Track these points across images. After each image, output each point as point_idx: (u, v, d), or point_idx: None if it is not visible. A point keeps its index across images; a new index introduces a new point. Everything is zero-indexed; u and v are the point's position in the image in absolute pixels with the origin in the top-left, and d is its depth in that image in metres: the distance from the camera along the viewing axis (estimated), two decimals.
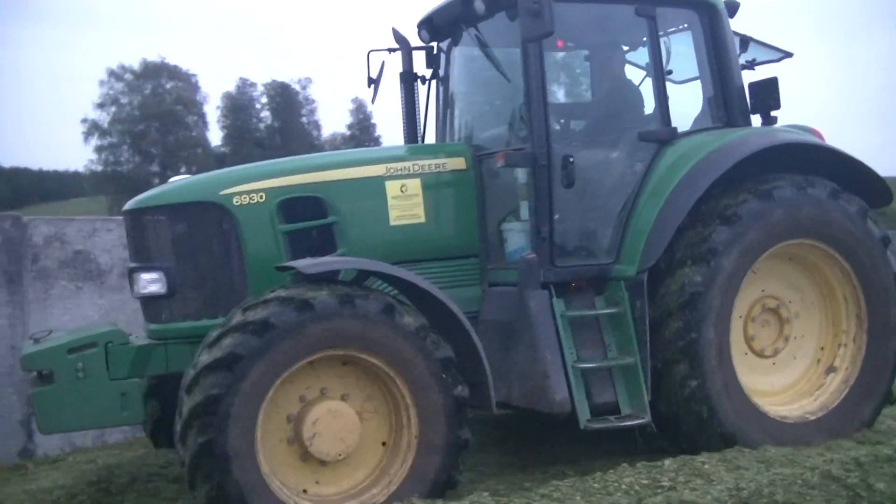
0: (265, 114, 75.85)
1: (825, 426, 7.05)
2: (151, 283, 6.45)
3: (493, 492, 6.07)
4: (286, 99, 77.40)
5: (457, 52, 7.95)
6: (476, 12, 7.00)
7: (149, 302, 6.57)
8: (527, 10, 6.37)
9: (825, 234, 7.07)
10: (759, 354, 7.27)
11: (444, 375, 5.94)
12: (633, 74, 7.80)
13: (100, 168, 70.15)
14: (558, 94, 8.15)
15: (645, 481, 5.82)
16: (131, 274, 6.58)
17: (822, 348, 7.42)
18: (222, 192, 6.54)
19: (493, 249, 7.19)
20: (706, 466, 6.01)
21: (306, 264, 5.89)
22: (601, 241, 7.14)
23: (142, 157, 69.92)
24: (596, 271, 6.96)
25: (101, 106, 69.94)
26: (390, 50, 8.21)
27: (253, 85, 76.99)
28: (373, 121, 79.82)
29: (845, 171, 7.33)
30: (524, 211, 6.99)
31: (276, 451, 5.84)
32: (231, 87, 76.72)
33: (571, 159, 6.80)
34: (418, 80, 8.24)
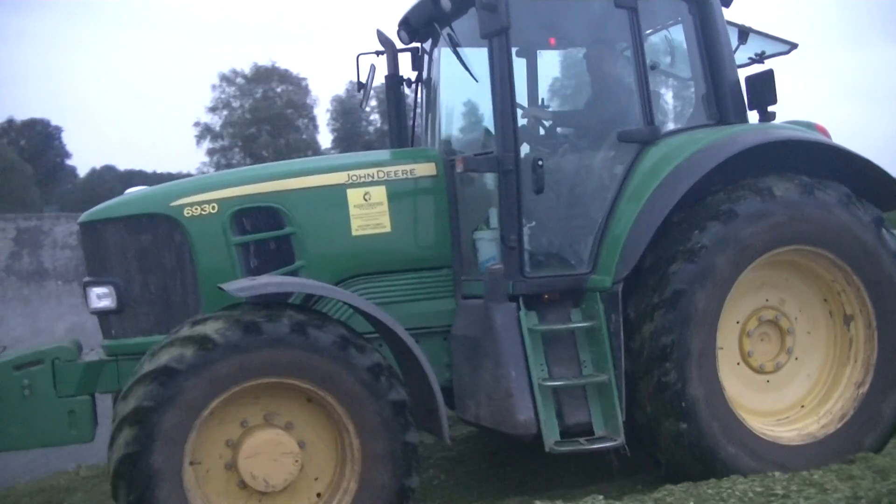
0: (374, 117, 76.57)
1: (823, 450, 6.45)
2: (102, 297, 6.27)
3: (606, 493, 6.00)
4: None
5: (437, 53, 7.61)
6: (443, 10, 6.64)
7: (101, 317, 6.39)
8: (482, 5, 6.02)
9: (832, 243, 6.49)
10: (757, 370, 6.72)
11: (378, 379, 5.62)
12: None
13: (212, 170, 71.57)
14: (545, 96, 7.72)
15: (759, 489, 5.69)
16: (84, 288, 6.41)
17: (828, 367, 6.83)
18: (173, 204, 6.32)
19: (466, 260, 6.78)
20: (815, 476, 5.83)
21: (236, 287, 5.60)
22: (577, 249, 6.68)
23: (253, 160, 70.91)
24: (570, 282, 6.50)
25: (213, 110, 71.19)
26: (378, 53, 7.91)
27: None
28: None
29: (853, 171, 6.73)
30: (494, 219, 6.59)
31: (213, 475, 5.59)
32: (341, 90, 77.35)
33: (540, 163, 6.37)
34: (404, 84, 7.92)
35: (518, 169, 6.33)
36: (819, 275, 6.69)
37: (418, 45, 7.82)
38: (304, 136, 74.24)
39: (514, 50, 7.60)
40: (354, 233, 6.56)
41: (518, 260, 6.37)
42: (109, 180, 63.34)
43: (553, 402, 6.21)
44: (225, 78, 71.14)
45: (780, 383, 6.78)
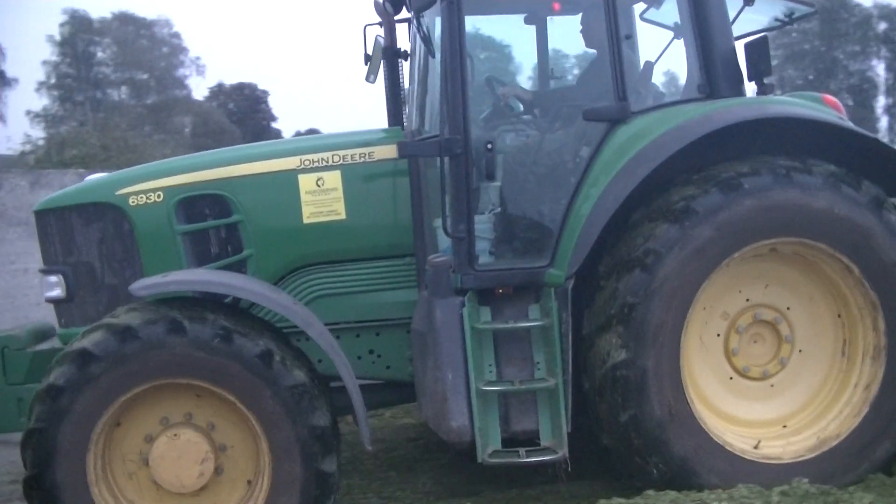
0: None
1: (816, 468, 5.69)
2: (53, 286, 6.27)
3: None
4: None
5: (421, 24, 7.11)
6: None
7: (55, 305, 6.39)
8: None
9: (820, 232, 5.65)
10: (747, 376, 5.99)
11: (294, 405, 5.31)
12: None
13: None
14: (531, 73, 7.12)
15: None
16: (42, 277, 6.43)
17: (833, 371, 6.03)
18: (118, 193, 6.21)
19: (431, 249, 6.34)
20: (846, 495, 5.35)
21: (138, 286, 5.43)
22: (538, 240, 6.11)
23: None
24: (525, 277, 5.93)
25: None
26: (381, 24, 7.49)
27: None
28: None
29: (862, 153, 5.85)
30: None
31: (133, 474, 5.49)
32: None
33: (490, 146, 5.86)
34: (401, 57, 7.46)
35: (468, 153, 5.83)
36: (819, 266, 5.88)
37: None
38: None
39: (522, 17, 7.11)
40: (306, 220, 6.25)
41: (467, 251, 5.90)
42: None
43: (498, 406, 5.76)
44: None
45: (779, 389, 6.04)
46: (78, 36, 58.88)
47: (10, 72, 68.72)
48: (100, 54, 61.16)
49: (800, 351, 6.03)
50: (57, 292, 6.26)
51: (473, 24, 6.97)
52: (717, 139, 5.63)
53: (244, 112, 68.49)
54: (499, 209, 6.15)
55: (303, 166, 6.25)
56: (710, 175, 5.62)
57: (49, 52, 59.21)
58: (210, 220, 6.24)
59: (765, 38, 6.22)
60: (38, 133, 41.82)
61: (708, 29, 6.10)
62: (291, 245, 6.26)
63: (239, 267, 6.22)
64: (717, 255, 5.57)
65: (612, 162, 5.78)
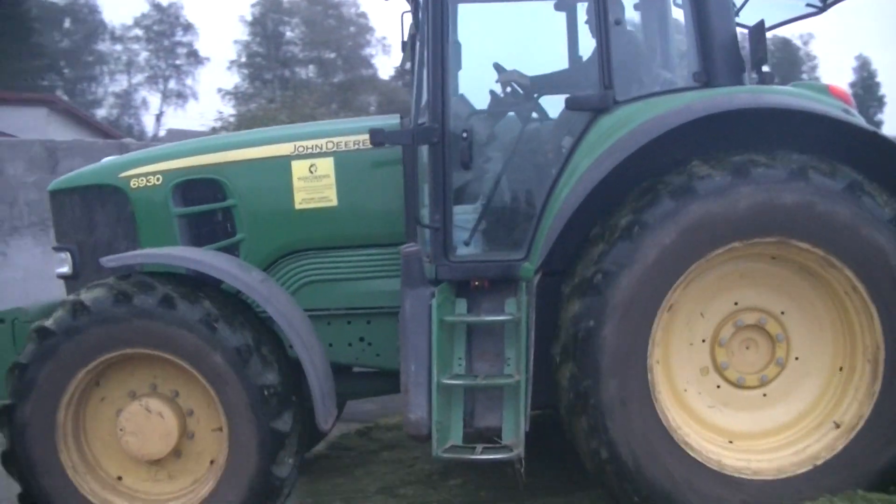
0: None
1: (804, 485, 5.40)
2: (62, 263, 6.57)
3: None
4: (787, 56, 73.40)
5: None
6: None
7: (64, 282, 6.68)
8: None
9: (788, 228, 5.26)
10: (738, 385, 5.69)
11: (242, 366, 5.43)
12: None
13: None
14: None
15: None
16: (54, 254, 6.73)
17: (832, 381, 5.67)
18: (121, 175, 6.44)
19: (423, 238, 6.28)
20: None
21: (107, 259, 5.64)
22: (516, 232, 5.98)
23: None
24: (501, 269, 5.83)
25: None
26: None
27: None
28: (878, 79, 72.83)
29: (868, 150, 5.42)
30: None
31: (108, 443, 5.75)
32: None
33: (465, 135, 5.76)
34: None
35: (444, 142, 5.76)
36: (815, 270, 5.50)
37: None
38: None
39: (552, 3, 6.89)
40: (297, 206, 6.31)
41: (443, 242, 5.83)
42: None
43: (464, 401, 5.69)
44: None
45: (773, 399, 5.73)
46: (268, 16, 60.95)
47: (203, 51, 71.67)
48: (289, 34, 63.09)
49: (796, 358, 5.69)
50: (65, 269, 6.55)
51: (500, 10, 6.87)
52: (710, 128, 5.34)
53: None
54: (481, 199, 6.05)
55: (296, 152, 6.31)
56: (665, 178, 5.35)
57: (240, 32, 61.59)
58: (205, 204, 6.39)
59: (761, 23, 5.82)
60: (230, 110, 43.67)
61: (706, 14, 5.78)
62: (283, 230, 6.34)
63: (232, 250, 6.35)
64: (677, 265, 5.29)
65: (589, 153, 5.57)
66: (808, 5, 6.49)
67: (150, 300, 5.42)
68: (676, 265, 5.27)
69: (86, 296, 5.50)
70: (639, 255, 5.21)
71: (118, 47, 71.92)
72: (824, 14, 6.70)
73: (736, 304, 5.63)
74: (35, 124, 24.07)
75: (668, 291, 5.31)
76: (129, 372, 5.70)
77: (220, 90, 58.11)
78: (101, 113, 66.07)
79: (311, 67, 63.08)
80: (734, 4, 6.42)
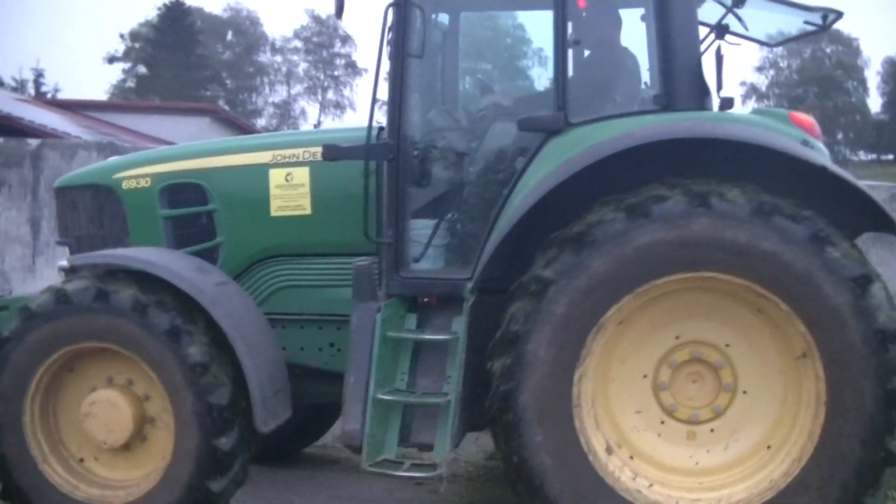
0: None
1: None
2: (62, 257, 6.93)
3: None
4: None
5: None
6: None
7: (64, 274, 7.04)
8: None
9: (743, 267, 5.05)
10: (683, 420, 5.48)
11: (174, 346, 5.64)
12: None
13: None
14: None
15: None
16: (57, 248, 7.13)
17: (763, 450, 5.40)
18: (115, 176, 6.76)
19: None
20: None
21: (74, 257, 6.01)
22: (465, 252, 5.99)
23: None
24: (448, 288, 5.83)
25: (759, 69, 69.99)
26: None
27: None
28: None
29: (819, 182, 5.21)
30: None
31: (80, 441, 6.06)
32: (894, 51, 72.06)
33: (416, 152, 5.81)
34: None
35: (399, 159, 5.84)
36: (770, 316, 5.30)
37: None
38: (853, 99, 70.12)
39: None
40: (273, 213, 6.48)
41: (394, 257, 5.89)
42: None
43: (402, 416, 5.73)
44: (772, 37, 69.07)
45: (722, 434, 5.50)
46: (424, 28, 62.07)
47: (361, 62, 73.34)
48: None
49: (744, 392, 5.45)
50: (65, 262, 6.90)
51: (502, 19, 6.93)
52: (655, 155, 5.21)
53: None
54: (436, 217, 6.08)
55: (275, 161, 6.48)
56: (607, 202, 5.25)
57: None
58: (189, 207, 6.63)
59: (717, 49, 5.67)
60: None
61: (669, 36, 5.64)
62: (258, 236, 6.51)
63: (211, 253, 6.57)
64: (609, 294, 5.17)
65: (535, 175, 5.53)
66: (807, 23, 6.26)
67: (87, 297, 5.73)
68: (624, 281, 5.16)
69: (35, 299, 5.89)
70: (585, 263, 5.12)
71: (278, 59, 74.60)
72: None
73: (677, 337, 5.45)
74: (198, 133, 24.94)
75: (610, 307, 5.20)
76: (88, 364, 5.98)
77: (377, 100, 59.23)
78: (260, 122, 68.49)
79: (467, 78, 63.76)
80: (734, 24, 6.31)
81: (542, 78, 6.98)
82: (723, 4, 5.96)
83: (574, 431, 5.25)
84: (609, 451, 5.36)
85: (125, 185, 6.70)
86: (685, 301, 5.40)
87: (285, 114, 74.57)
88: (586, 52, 6.45)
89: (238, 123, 31.56)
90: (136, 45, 62.80)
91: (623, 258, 5.08)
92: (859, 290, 4.95)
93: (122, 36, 65.39)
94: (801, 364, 5.22)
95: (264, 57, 73.33)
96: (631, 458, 5.41)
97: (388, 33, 5.91)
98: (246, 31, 70.43)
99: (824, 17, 6.19)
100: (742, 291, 5.22)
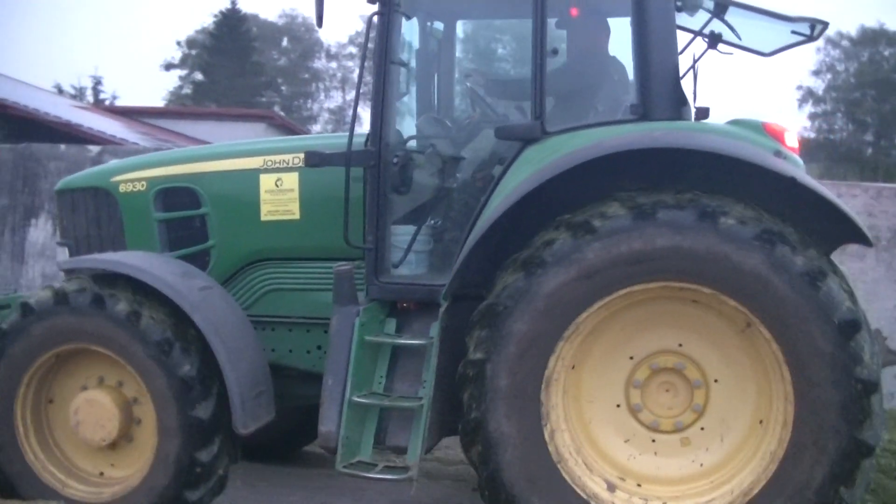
0: None
1: None
2: (61, 257, 7.09)
3: None
4: None
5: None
6: None
7: (64, 274, 7.20)
8: None
9: (696, 273, 5.06)
10: (670, 431, 5.48)
11: (163, 359, 5.77)
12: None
13: (812, 135, 68.82)
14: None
15: None
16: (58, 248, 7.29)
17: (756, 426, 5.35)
18: (112, 179, 6.91)
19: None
20: None
21: (63, 261, 6.14)
22: (443, 258, 6.06)
23: (856, 126, 67.32)
24: (426, 293, 5.90)
25: (816, 73, 68.60)
26: None
27: None
28: None
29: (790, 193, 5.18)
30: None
31: (69, 437, 6.20)
32: None
33: (395, 160, 5.88)
34: None
35: (380, 165, 5.92)
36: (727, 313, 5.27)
37: None
38: None
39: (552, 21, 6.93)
40: (263, 217, 6.59)
41: (374, 263, 5.96)
42: None
43: (378, 419, 5.80)
44: (830, 40, 67.90)
45: (697, 444, 5.48)
46: (480, 33, 62.24)
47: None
48: (500, 51, 64.15)
49: (716, 381, 5.43)
50: (75, 258, 7.06)
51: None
52: (630, 164, 5.24)
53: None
54: (417, 223, 6.13)
55: (265, 166, 6.58)
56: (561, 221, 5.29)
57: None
58: (182, 211, 6.76)
59: (693, 61, 5.66)
60: None
61: (647, 45, 5.65)
62: (249, 240, 6.63)
63: (203, 256, 6.71)
64: (605, 283, 5.17)
65: (509, 184, 5.57)
66: (794, 33, 6.22)
67: (84, 300, 5.86)
68: (577, 301, 5.18)
69: (30, 297, 6.07)
70: (532, 292, 5.17)
71: (333, 65, 74.99)
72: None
73: (631, 357, 5.47)
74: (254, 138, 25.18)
75: (567, 327, 5.22)
76: (81, 362, 6.14)
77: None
78: (316, 128, 68.93)
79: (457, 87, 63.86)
80: (727, 34, 6.28)
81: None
82: (707, 11, 5.93)
83: (568, 485, 5.28)
84: (612, 488, 5.37)
85: (122, 188, 6.85)
86: (623, 323, 5.43)
87: (340, 119, 74.91)
88: (564, 60, 6.45)
89: (293, 129, 31.84)
90: (193, 52, 63.51)
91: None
92: (768, 247, 4.95)
93: (178, 43, 66.17)
94: (750, 333, 5.21)
95: (319, 63, 73.85)
96: (638, 485, 5.41)
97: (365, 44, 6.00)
98: (301, 37, 70.89)
99: (812, 28, 6.14)
100: (668, 291, 5.24)
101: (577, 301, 5.16)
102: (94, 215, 6.97)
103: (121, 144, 18.62)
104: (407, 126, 6.75)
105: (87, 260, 6.32)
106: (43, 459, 6.14)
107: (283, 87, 70.41)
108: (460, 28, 7.17)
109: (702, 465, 5.41)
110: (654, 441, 5.47)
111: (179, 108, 46.77)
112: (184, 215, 6.76)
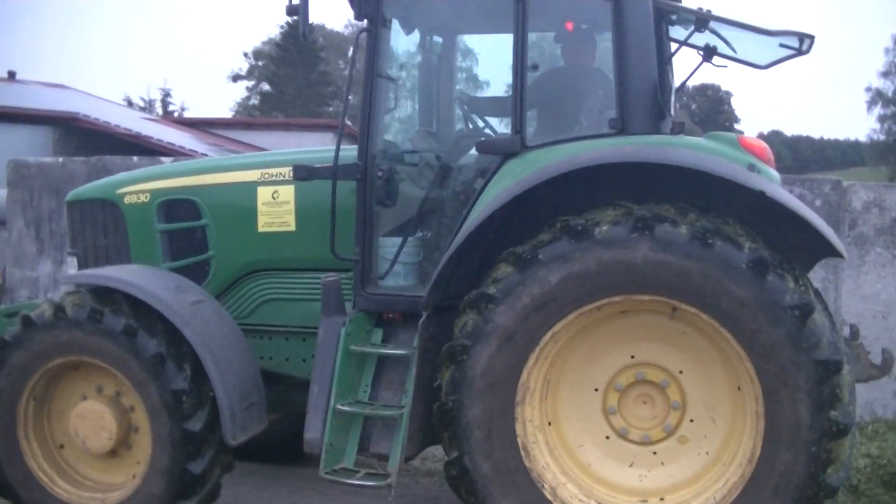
0: None
1: None
2: (70, 266, 7.31)
3: None
4: None
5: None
6: None
7: None
8: None
9: (640, 284, 5.13)
10: (648, 442, 5.52)
11: (157, 372, 5.90)
12: None
13: (882, 137, 67.44)
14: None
15: None
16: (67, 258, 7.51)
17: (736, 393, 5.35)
18: (118, 191, 7.09)
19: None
20: None
21: (63, 275, 6.26)
22: (427, 270, 6.11)
23: None
24: (408, 304, 5.96)
25: (885, 74, 67.17)
26: None
27: None
28: None
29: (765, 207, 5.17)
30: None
31: (71, 446, 6.39)
32: None
33: (380, 173, 5.97)
34: None
35: (366, 179, 6.02)
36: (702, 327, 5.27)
37: None
38: None
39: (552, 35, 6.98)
40: (260, 229, 6.71)
41: (361, 274, 6.05)
42: (775, 145, 63.42)
43: (362, 427, 5.89)
44: None
45: (670, 456, 5.52)
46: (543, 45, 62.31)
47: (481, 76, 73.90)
48: None
49: (691, 420, 5.46)
50: (73, 272, 7.28)
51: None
52: (606, 177, 5.30)
53: (706, 113, 67.68)
54: (402, 235, 6.21)
55: (262, 179, 6.71)
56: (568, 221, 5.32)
57: None
58: (183, 222, 6.91)
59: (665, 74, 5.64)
60: None
61: (625, 59, 5.66)
62: (246, 250, 6.75)
63: (203, 266, 6.85)
64: (526, 338, 5.30)
65: (487, 197, 5.63)
66: (783, 46, 6.14)
67: (81, 314, 6.01)
68: (561, 305, 5.25)
69: (33, 311, 6.23)
70: (487, 328, 5.30)
71: (402, 74, 75.39)
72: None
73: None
74: None
75: (551, 328, 5.29)
76: (81, 373, 6.30)
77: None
78: None
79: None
80: (722, 47, 6.24)
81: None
82: (690, 21, 5.90)
83: (520, 447, 5.38)
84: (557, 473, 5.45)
85: (127, 199, 7.02)
86: (572, 363, 5.54)
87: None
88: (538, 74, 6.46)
89: None
90: (260, 64, 64.63)
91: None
92: (758, 277, 4.95)
93: (245, 55, 67.52)
94: (680, 315, 5.28)
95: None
96: (661, 499, 5.46)
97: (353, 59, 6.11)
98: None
99: (801, 41, 6.07)
100: (586, 317, 5.33)
101: (510, 367, 5.33)
102: (101, 226, 7.14)
103: (191, 156, 19.00)
104: (405, 139, 6.87)
105: (84, 275, 6.52)
106: (45, 466, 6.32)
107: (349, 97, 70.90)
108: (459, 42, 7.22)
109: (707, 452, 5.44)
110: (655, 453, 5.51)
111: (247, 118, 47.58)
112: (185, 226, 6.90)
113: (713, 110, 69.31)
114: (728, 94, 67.23)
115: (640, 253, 5.03)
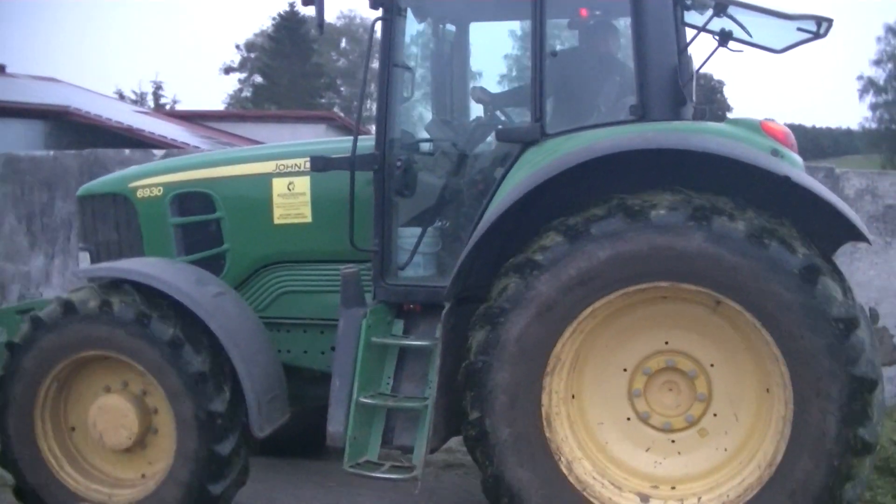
0: None
1: None
2: (83, 261, 7.24)
3: None
4: None
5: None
6: None
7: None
8: None
9: (644, 273, 5.13)
10: (668, 430, 5.49)
11: (175, 356, 5.84)
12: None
13: (874, 125, 67.42)
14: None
15: None
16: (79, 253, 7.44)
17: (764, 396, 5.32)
18: (130, 185, 7.02)
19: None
20: None
21: (80, 269, 6.30)
22: (447, 260, 6.08)
23: None
24: (430, 295, 5.91)
25: (877, 63, 67.12)
26: None
27: None
28: None
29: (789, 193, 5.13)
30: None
31: (97, 449, 6.32)
32: None
33: (399, 163, 5.91)
34: None
35: (384, 169, 5.96)
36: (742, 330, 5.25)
37: None
38: None
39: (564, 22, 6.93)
40: (276, 221, 6.66)
41: (380, 265, 6.00)
42: None
43: (386, 419, 5.86)
44: (891, 29, 66.22)
45: (691, 445, 5.51)
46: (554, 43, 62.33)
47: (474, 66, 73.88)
48: None
49: (714, 415, 5.45)
50: (90, 266, 7.21)
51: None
52: (626, 164, 5.24)
53: (699, 102, 67.42)
54: (423, 226, 6.17)
55: (277, 171, 6.66)
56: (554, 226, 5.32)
57: None
58: (197, 215, 6.85)
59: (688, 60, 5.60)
60: None
61: (645, 46, 5.61)
62: (262, 243, 6.70)
63: (218, 259, 6.79)
64: (566, 310, 5.24)
65: (507, 186, 5.59)
66: (800, 30, 6.11)
67: (91, 308, 5.95)
68: (566, 309, 5.24)
69: (41, 309, 6.17)
70: (529, 294, 5.22)
71: (416, 63, 75.15)
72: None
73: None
74: None
75: (565, 328, 5.26)
76: (98, 369, 6.24)
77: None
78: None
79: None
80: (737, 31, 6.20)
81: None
82: (708, 6, 5.86)
83: (550, 452, 5.35)
84: (646, 499, 5.42)
85: (139, 193, 6.96)
86: (605, 339, 5.51)
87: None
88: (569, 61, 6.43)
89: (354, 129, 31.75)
90: (252, 56, 64.30)
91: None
92: (808, 284, 4.92)
93: (237, 47, 67.05)
94: (722, 310, 5.25)
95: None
96: (673, 488, 5.44)
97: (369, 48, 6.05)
98: (360, 38, 71.23)
99: (818, 25, 6.04)
100: (629, 298, 5.30)
101: (545, 337, 5.27)
102: (113, 220, 7.09)
103: (184, 148, 18.87)
104: (421, 129, 6.81)
105: (103, 269, 6.43)
106: (65, 465, 6.27)
107: (342, 89, 70.73)
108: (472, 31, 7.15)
109: (726, 449, 5.42)
110: (673, 442, 5.49)
111: (240, 111, 47.36)
112: (199, 220, 6.85)
113: (706, 99, 68.76)
114: (721, 82, 66.90)
115: (694, 243, 4.98)
